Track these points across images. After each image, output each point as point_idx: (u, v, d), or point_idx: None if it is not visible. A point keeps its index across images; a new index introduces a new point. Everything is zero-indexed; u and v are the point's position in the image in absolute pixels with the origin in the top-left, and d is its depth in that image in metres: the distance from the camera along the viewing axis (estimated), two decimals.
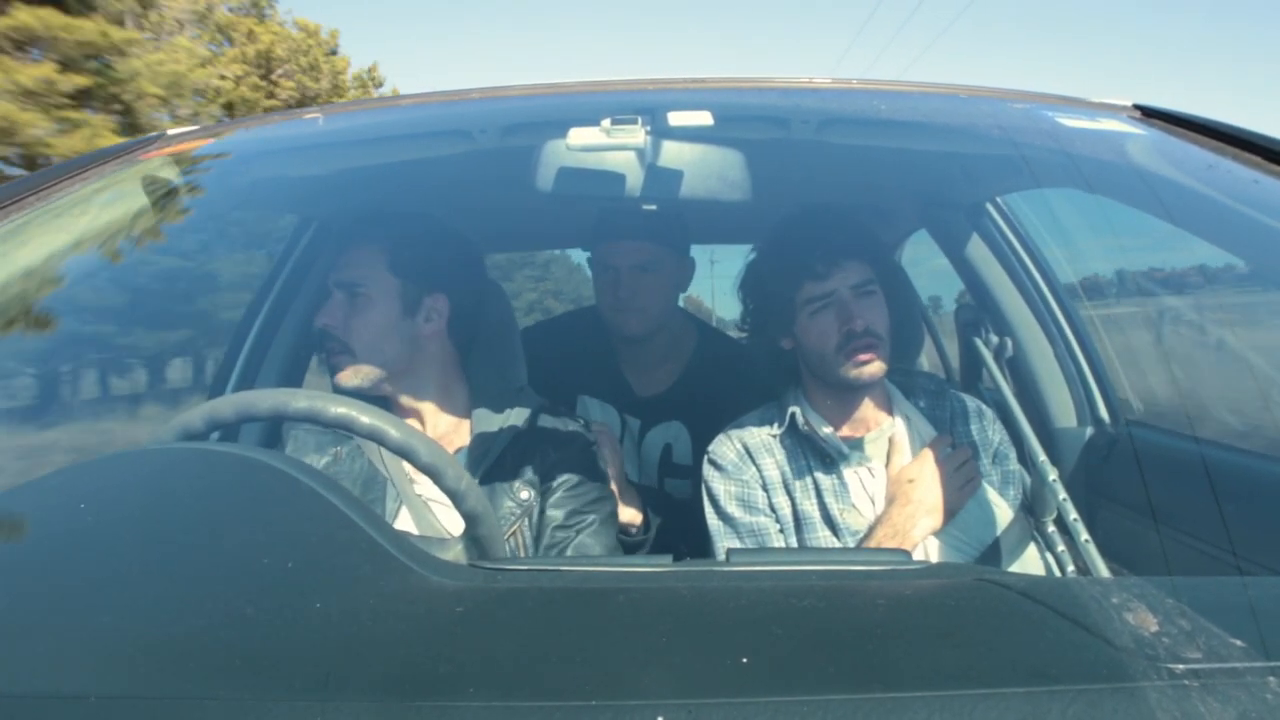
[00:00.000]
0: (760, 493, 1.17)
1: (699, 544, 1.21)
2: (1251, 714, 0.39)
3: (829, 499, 1.14)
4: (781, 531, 1.15)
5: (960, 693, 0.41)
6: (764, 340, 1.24)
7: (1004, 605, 0.52)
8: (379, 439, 0.78)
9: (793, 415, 1.17)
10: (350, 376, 1.12)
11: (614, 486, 1.28)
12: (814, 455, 1.17)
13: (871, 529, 1.11)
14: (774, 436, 1.19)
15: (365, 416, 0.78)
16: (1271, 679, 0.41)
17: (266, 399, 0.80)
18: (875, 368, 1.13)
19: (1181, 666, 0.42)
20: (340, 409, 0.78)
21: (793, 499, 1.16)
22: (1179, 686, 0.41)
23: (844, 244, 1.16)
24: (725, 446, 1.19)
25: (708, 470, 1.20)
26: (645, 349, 1.62)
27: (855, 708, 0.40)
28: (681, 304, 1.73)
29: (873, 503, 1.14)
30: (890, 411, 1.21)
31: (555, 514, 1.13)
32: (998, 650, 0.47)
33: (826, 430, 1.17)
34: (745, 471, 1.17)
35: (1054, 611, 0.50)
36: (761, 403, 1.25)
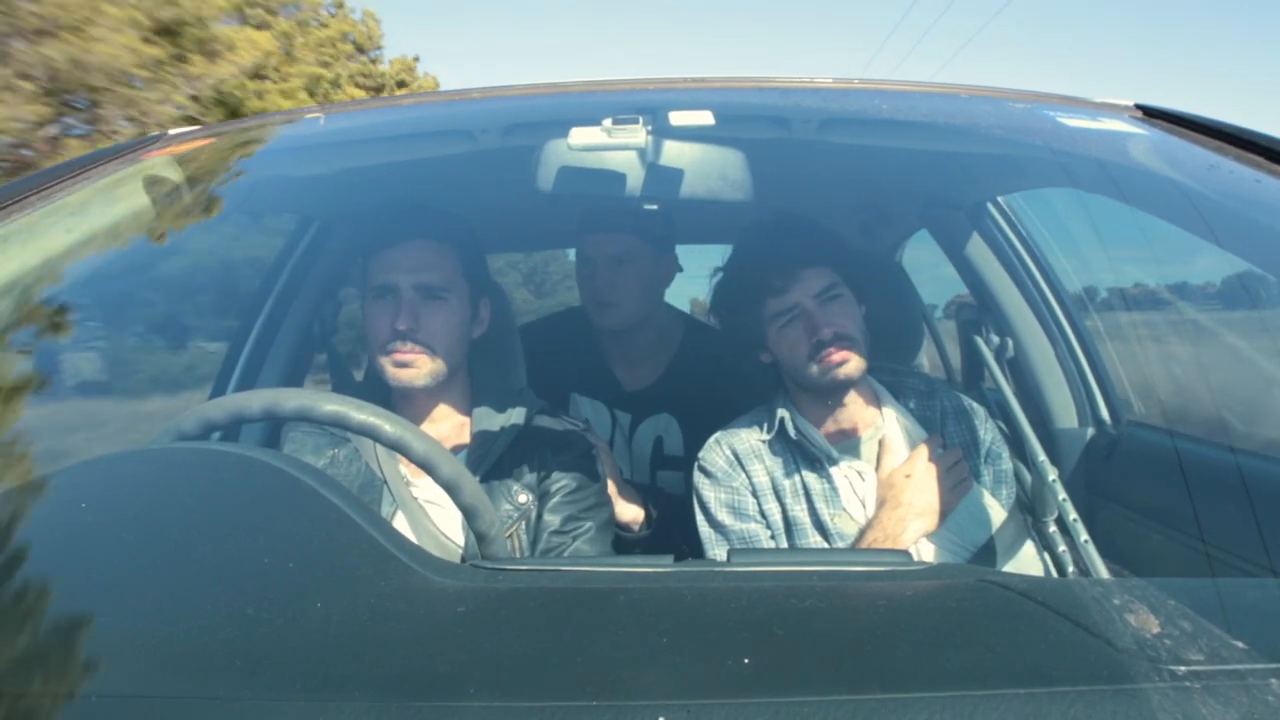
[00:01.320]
0: (750, 499, 1.16)
1: (694, 535, 1.21)
2: (1253, 716, 0.39)
3: (819, 504, 1.13)
4: (773, 538, 1.14)
5: (961, 694, 0.41)
6: (743, 355, 1.23)
7: (1005, 606, 0.52)
8: (403, 449, 0.78)
9: (782, 420, 1.17)
10: (420, 377, 1.11)
11: (612, 489, 1.28)
12: (803, 460, 1.16)
13: (862, 533, 1.10)
14: (763, 442, 1.18)
15: (390, 425, 0.78)
16: (1273, 681, 0.41)
17: (293, 398, 0.80)
18: (851, 366, 1.12)
19: (1183, 668, 0.42)
20: (365, 416, 0.78)
21: (783, 505, 1.15)
22: (1180, 688, 0.41)
23: (799, 254, 1.15)
24: (715, 453, 1.19)
25: (698, 477, 1.19)
26: (631, 343, 1.63)
27: (856, 708, 0.40)
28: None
29: (863, 506, 1.14)
30: (879, 413, 1.20)
31: (552, 519, 1.13)
32: (999, 651, 0.47)
33: (815, 434, 1.16)
34: (735, 478, 1.17)
35: (1055, 613, 0.50)
36: (748, 395, 1.25)
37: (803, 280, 1.14)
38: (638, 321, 1.59)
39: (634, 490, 1.40)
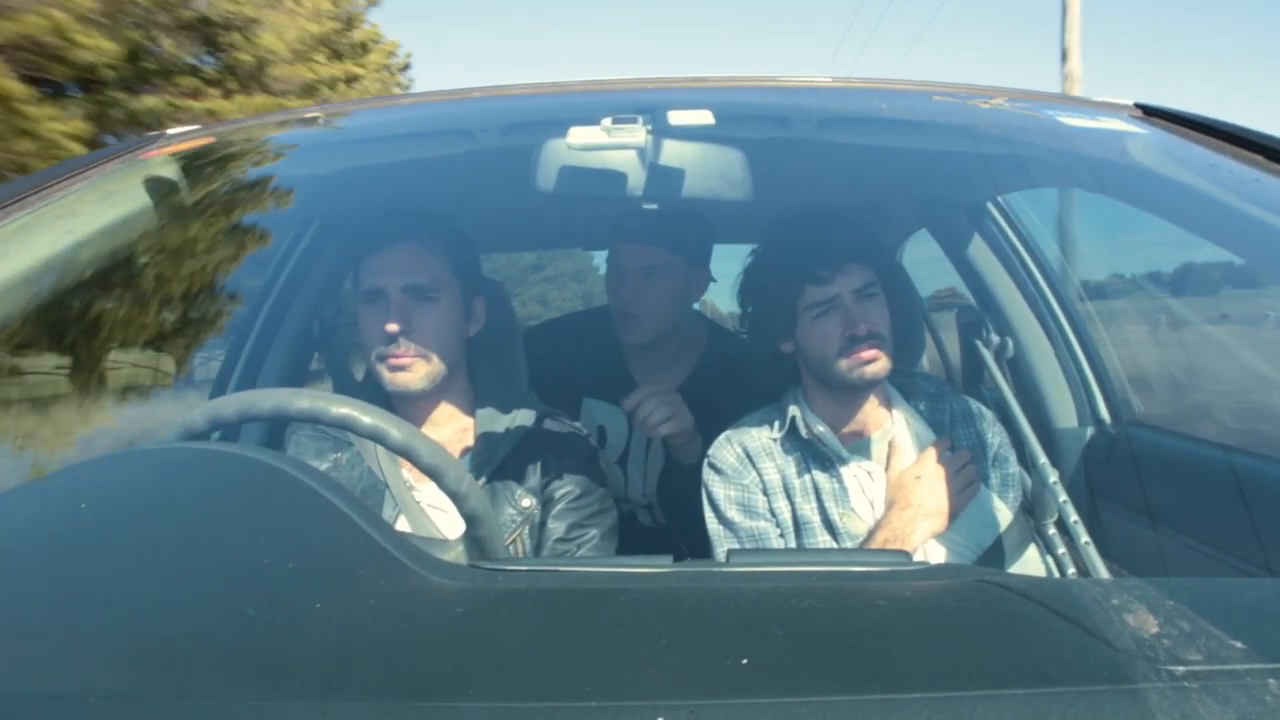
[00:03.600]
0: (760, 497, 1.16)
1: (701, 546, 1.21)
2: (1251, 716, 0.39)
3: (828, 503, 1.14)
4: (781, 536, 1.15)
5: (960, 694, 0.41)
6: (764, 343, 1.23)
7: (1004, 606, 0.52)
8: (380, 439, 0.78)
9: (793, 418, 1.17)
10: (418, 380, 1.11)
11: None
12: (814, 458, 1.17)
13: (871, 533, 1.10)
14: (774, 440, 1.18)
15: (367, 416, 0.78)
16: (1272, 681, 0.41)
17: (268, 399, 0.80)
18: (879, 366, 1.13)
19: (1181, 668, 0.42)
20: (342, 409, 0.78)
21: (792, 503, 1.15)
22: (1179, 688, 0.41)
23: (845, 247, 1.15)
24: (725, 450, 1.19)
25: (708, 474, 1.19)
26: (654, 352, 1.61)
27: (855, 708, 0.40)
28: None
29: (872, 506, 1.14)
30: (890, 414, 1.20)
31: (556, 526, 1.13)
32: (998, 651, 0.47)
33: (826, 433, 1.16)
34: (745, 476, 1.17)
35: (1054, 613, 0.50)
36: (768, 403, 1.25)
37: (846, 273, 1.14)
38: (659, 334, 1.56)
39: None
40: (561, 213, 1.85)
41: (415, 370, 1.11)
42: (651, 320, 1.53)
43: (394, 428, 0.78)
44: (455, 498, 0.79)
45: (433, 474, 0.78)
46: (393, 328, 1.09)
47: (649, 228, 1.51)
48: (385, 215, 1.18)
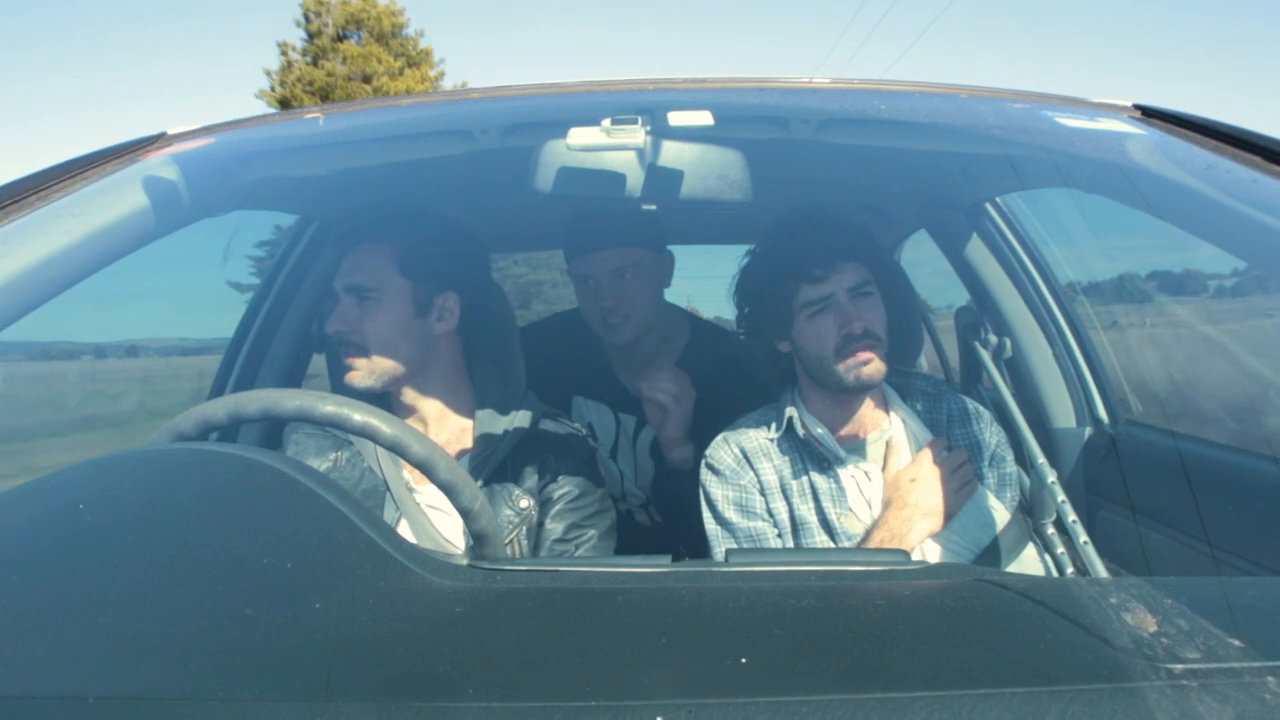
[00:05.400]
0: (758, 497, 1.16)
1: (697, 540, 1.22)
2: (1250, 714, 0.39)
3: (826, 503, 1.14)
4: (779, 536, 1.15)
5: (959, 693, 0.41)
6: (761, 343, 1.23)
7: (1003, 605, 0.52)
8: (401, 451, 0.78)
9: (790, 419, 1.17)
10: (362, 378, 1.11)
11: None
12: (811, 459, 1.17)
13: (868, 533, 1.10)
14: (771, 440, 1.19)
15: (388, 427, 0.78)
16: (1270, 679, 0.41)
17: (292, 399, 0.80)
18: (874, 368, 1.13)
19: (1180, 666, 0.42)
20: (365, 417, 0.78)
21: (790, 503, 1.16)
22: (1177, 686, 0.41)
23: (840, 246, 1.15)
24: (723, 451, 1.19)
25: (705, 475, 1.19)
26: (636, 347, 1.62)
27: (854, 708, 0.40)
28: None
29: (869, 506, 1.14)
30: (887, 414, 1.21)
31: (555, 527, 1.13)
32: (997, 650, 0.47)
33: (823, 433, 1.17)
34: (743, 476, 1.17)
35: (1053, 612, 0.50)
36: (755, 396, 1.25)
37: (841, 272, 1.14)
38: (645, 329, 1.58)
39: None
40: (562, 213, 1.85)
41: (359, 369, 1.12)
42: (636, 318, 1.55)
43: (415, 442, 0.78)
44: (466, 515, 0.79)
45: (448, 490, 0.79)
46: (332, 329, 1.11)
47: (608, 231, 1.51)
48: (352, 219, 1.20)
